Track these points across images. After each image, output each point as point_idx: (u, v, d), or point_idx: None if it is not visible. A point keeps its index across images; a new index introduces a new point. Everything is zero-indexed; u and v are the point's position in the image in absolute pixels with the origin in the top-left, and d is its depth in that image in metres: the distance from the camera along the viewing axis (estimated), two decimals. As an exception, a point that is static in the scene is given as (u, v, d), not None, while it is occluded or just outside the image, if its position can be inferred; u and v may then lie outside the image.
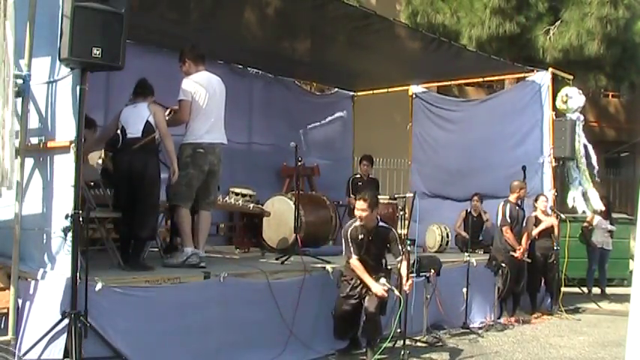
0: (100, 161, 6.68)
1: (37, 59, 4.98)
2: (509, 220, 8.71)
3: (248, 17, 7.87)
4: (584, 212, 10.26)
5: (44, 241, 4.88)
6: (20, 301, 4.78)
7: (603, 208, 10.42)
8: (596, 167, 10.02)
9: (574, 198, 9.93)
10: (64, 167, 4.80)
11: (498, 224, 8.85)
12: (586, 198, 9.98)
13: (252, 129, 10.21)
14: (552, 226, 9.33)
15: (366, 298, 5.98)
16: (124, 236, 5.80)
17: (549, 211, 9.46)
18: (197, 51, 6.44)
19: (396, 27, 8.49)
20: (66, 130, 4.84)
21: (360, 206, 6.01)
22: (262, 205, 8.32)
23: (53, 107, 5.01)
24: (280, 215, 8.09)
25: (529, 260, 8.97)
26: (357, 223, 6.12)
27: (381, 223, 6.18)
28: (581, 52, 13.27)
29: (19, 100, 4.90)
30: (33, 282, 4.84)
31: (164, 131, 5.84)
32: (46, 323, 4.65)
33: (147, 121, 5.72)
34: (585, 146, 9.97)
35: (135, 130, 5.71)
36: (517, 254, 8.65)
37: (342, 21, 7.88)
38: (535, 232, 9.19)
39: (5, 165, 4.56)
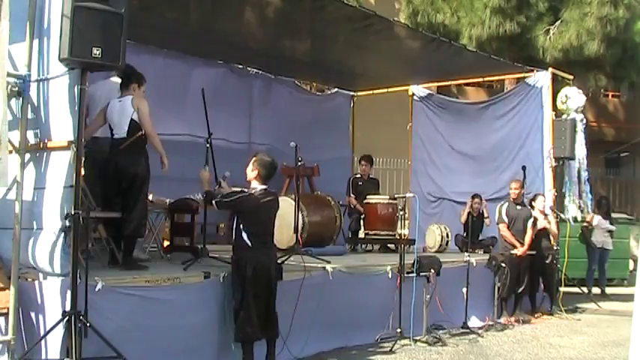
0: None
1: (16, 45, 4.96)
2: (505, 219, 8.75)
3: (248, 17, 7.87)
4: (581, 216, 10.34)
5: (44, 240, 4.87)
6: (20, 301, 4.78)
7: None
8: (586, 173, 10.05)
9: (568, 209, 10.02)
10: (63, 166, 4.79)
11: (496, 223, 8.86)
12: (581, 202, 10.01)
13: (252, 129, 10.19)
14: (545, 228, 9.28)
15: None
16: (113, 235, 5.76)
17: (549, 211, 9.46)
18: None
19: (396, 27, 8.49)
20: (65, 129, 4.83)
21: None
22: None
23: (48, 106, 4.98)
24: (284, 216, 8.06)
25: (534, 252, 8.95)
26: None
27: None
28: (581, 52, 13.29)
29: (18, 99, 4.90)
30: (33, 282, 4.84)
31: (149, 130, 5.68)
32: (46, 323, 4.65)
33: (131, 119, 5.62)
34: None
35: (121, 132, 5.64)
36: (518, 252, 8.65)
37: (342, 21, 7.87)
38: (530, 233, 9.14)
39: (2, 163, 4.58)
